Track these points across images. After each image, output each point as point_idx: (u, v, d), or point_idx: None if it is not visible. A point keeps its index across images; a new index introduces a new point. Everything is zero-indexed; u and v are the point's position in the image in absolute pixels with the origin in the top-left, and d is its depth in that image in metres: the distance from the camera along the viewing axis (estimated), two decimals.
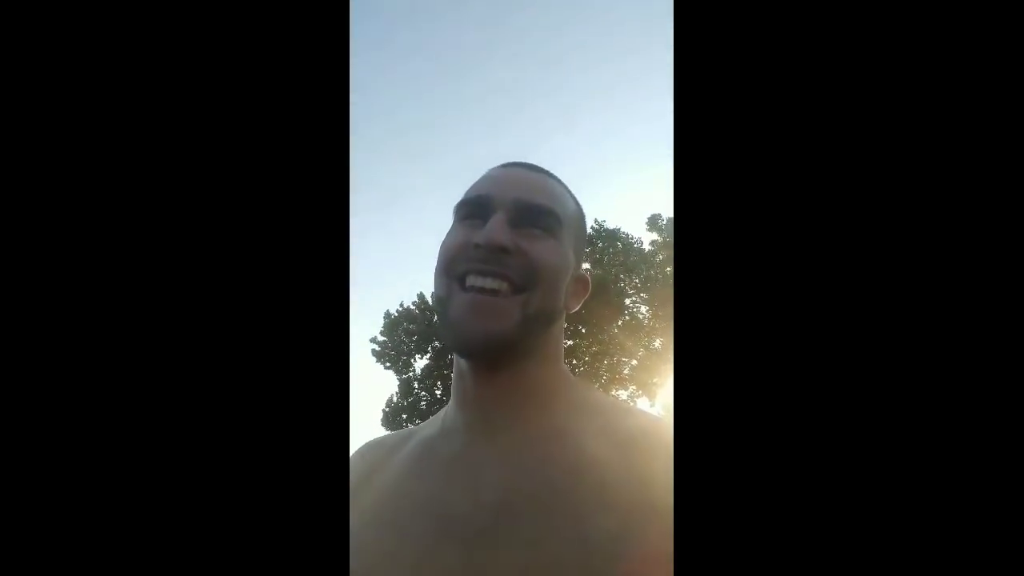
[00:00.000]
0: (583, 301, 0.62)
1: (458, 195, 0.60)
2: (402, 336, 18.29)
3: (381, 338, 18.37)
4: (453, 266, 0.54)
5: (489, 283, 0.52)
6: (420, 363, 18.40)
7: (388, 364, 18.27)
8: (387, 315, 18.53)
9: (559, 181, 0.62)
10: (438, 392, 17.47)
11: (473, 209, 0.57)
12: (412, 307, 19.19)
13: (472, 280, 0.53)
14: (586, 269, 0.65)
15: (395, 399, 17.87)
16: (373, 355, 18.20)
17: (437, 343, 17.76)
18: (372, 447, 0.65)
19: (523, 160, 0.62)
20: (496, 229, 0.52)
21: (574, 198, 0.63)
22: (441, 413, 0.62)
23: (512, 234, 0.53)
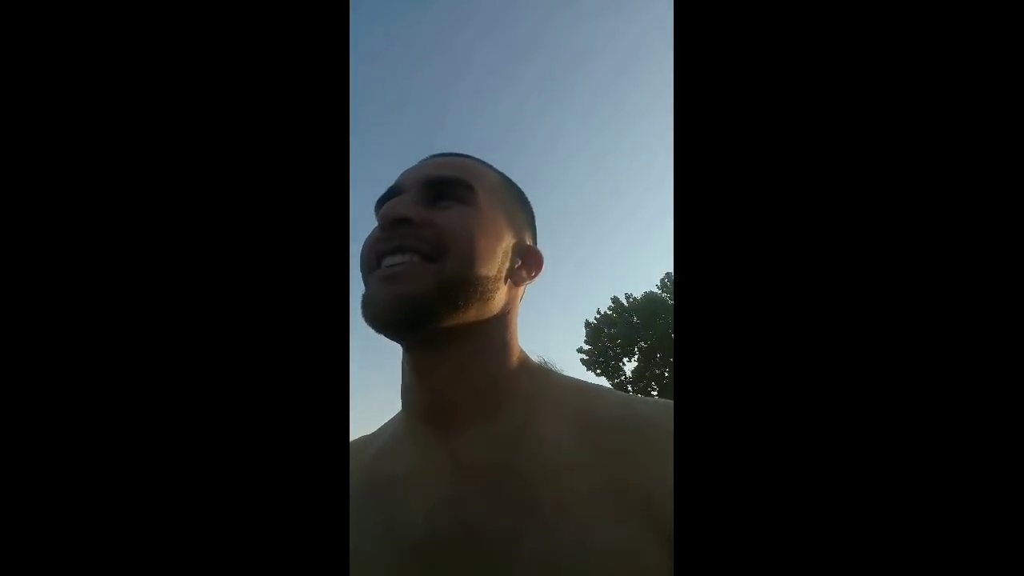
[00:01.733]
0: (535, 276, 0.57)
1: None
2: (606, 342, 18.34)
3: (586, 347, 18.64)
4: (368, 258, 0.51)
5: (398, 259, 0.48)
6: (629, 366, 18.26)
7: (599, 371, 18.46)
8: (587, 324, 18.76)
9: (482, 161, 0.58)
10: (654, 392, 17.12)
11: (384, 202, 0.54)
12: (609, 312, 19.11)
13: (384, 261, 0.49)
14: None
15: None
16: (583, 364, 18.55)
17: (642, 343, 17.42)
18: None
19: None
20: (391, 204, 0.49)
21: (503, 175, 0.59)
22: (389, 424, 0.58)
23: (419, 209, 0.50)
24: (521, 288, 0.56)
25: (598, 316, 18.90)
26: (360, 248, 0.53)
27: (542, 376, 0.55)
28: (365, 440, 0.58)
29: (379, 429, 0.59)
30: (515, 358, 0.54)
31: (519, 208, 0.58)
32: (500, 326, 0.53)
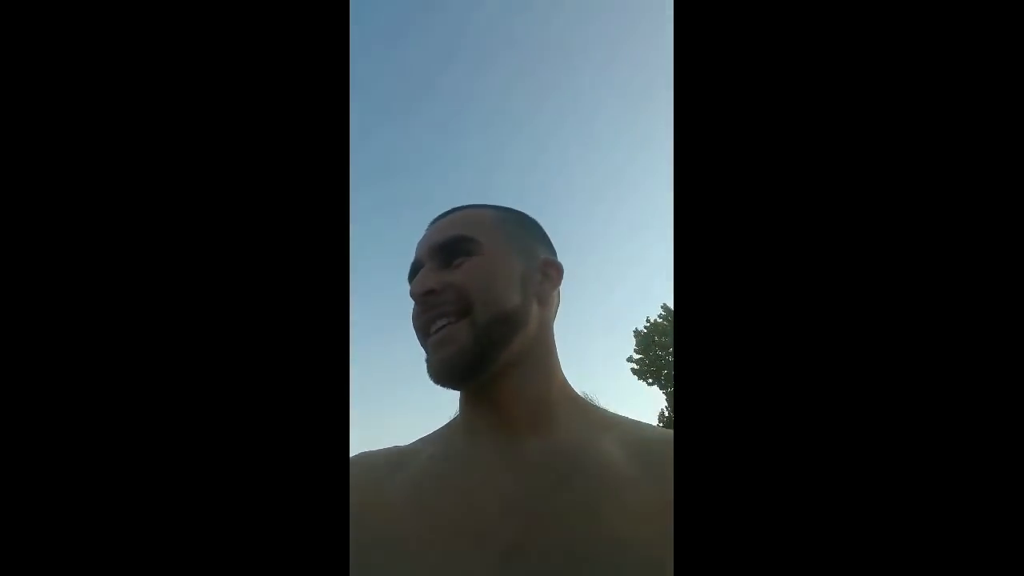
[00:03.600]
0: (558, 283, 0.63)
1: None
2: (657, 351, 17.93)
3: (637, 355, 18.28)
4: (419, 332, 0.59)
5: (439, 323, 0.56)
6: None
7: (651, 380, 18.05)
8: (637, 332, 18.40)
9: (480, 206, 0.64)
10: None
11: (413, 277, 0.61)
12: (660, 319, 18.70)
13: (431, 329, 0.57)
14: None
15: (667, 413, 17.52)
16: (633, 374, 18.18)
17: None
18: (363, 467, 0.62)
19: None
20: (416, 281, 0.57)
21: (500, 209, 0.65)
22: (439, 437, 0.62)
23: (437, 275, 0.57)
24: (551, 303, 0.62)
25: (648, 324, 18.52)
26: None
27: (585, 403, 0.61)
28: (402, 449, 0.62)
29: (419, 440, 0.63)
30: (560, 375, 0.60)
31: (523, 232, 0.64)
32: (541, 342, 0.60)
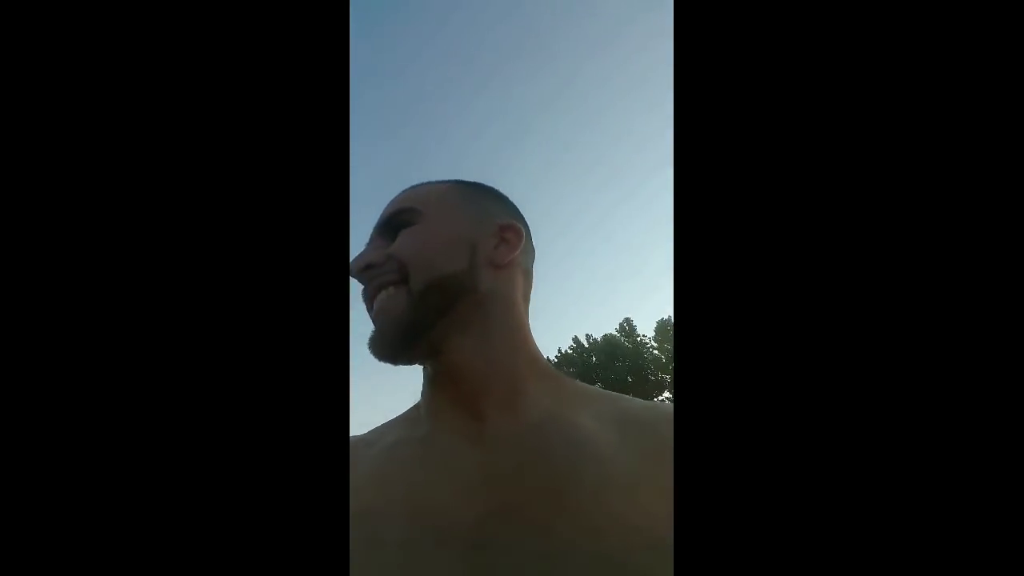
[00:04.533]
0: (517, 248, 0.57)
1: None
2: None
3: None
4: (368, 310, 0.56)
5: (380, 296, 0.53)
6: None
7: None
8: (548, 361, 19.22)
9: (432, 182, 0.60)
10: None
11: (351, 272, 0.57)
12: (570, 351, 19.81)
13: (374, 303, 0.54)
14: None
15: None
16: None
17: (599, 385, 18.12)
18: None
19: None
20: (355, 259, 0.55)
21: (453, 182, 0.61)
22: (403, 421, 0.57)
23: (378, 250, 0.55)
24: (512, 269, 0.57)
25: (559, 355, 19.57)
26: (354, 250, 0.56)
27: (559, 377, 0.56)
28: (367, 436, 0.58)
29: (382, 426, 0.59)
30: (530, 343, 0.56)
31: (475, 198, 0.59)
32: (499, 313, 0.54)
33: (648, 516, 0.42)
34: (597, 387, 0.59)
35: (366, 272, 0.54)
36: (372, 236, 0.58)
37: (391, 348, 0.52)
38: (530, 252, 0.60)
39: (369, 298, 0.54)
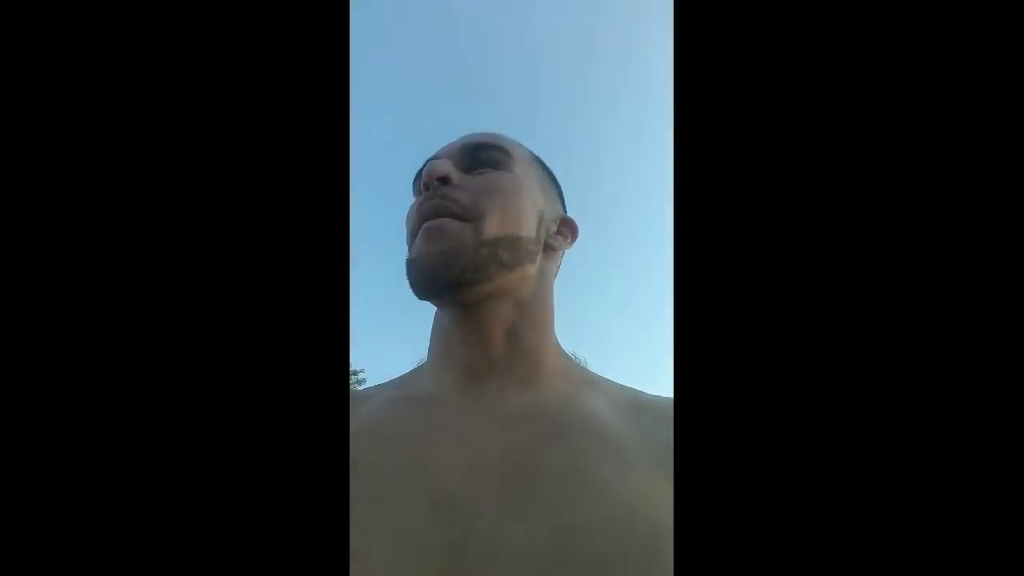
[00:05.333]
0: (571, 242, 0.58)
1: None
2: None
3: None
4: (412, 223, 0.51)
5: (446, 222, 0.48)
6: None
7: None
8: None
9: (518, 142, 0.58)
10: None
11: (422, 176, 0.52)
12: None
13: (424, 224, 0.49)
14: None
15: None
16: None
17: None
18: None
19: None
20: (435, 164, 0.50)
21: (534, 153, 0.60)
22: (401, 381, 0.54)
23: (458, 174, 0.51)
24: (557, 258, 0.57)
25: None
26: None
27: (578, 365, 0.56)
28: (365, 392, 0.54)
29: (375, 386, 0.56)
30: (553, 334, 0.54)
31: (550, 182, 0.59)
32: (542, 293, 0.54)
33: (656, 502, 0.41)
34: (609, 379, 0.57)
35: (439, 186, 0.50)
36: (449, 151, 0.55)
37: (451, 274, 0.47)
38: (563, 254, 0.59)
39: (427, 214, 0.49)
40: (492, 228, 0.49)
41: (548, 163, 0.61)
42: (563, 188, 0.61)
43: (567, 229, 0.58)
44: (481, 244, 0.48)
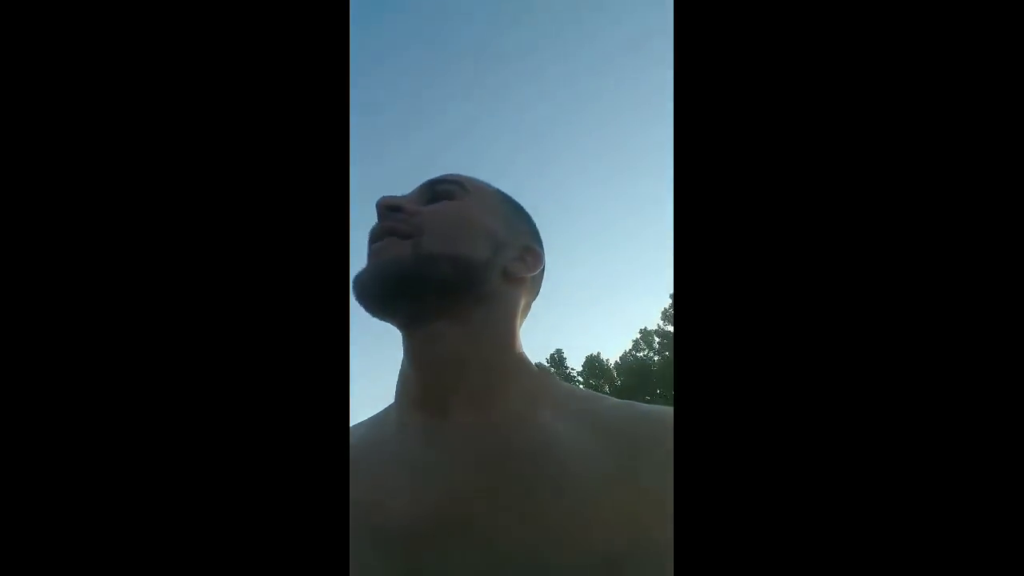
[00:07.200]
0: (533, 271, 0.58)
1: None
2: None
3: None
4: (368, 244, 0.54)
5: (386, 240, 0.52)
6: None
7: None
8: None
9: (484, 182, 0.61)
10: None
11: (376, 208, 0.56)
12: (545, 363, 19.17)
13: (371, 247, 0.53)
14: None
15: None
16: None
17: None
18: None
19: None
20: (388, 196, 0.54)
21: (502, 192, 0.62)
22: (372, 421, 0.57)
23: (413, 203, 0.55)
24: (521, 287, 0.57)
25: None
26: (359, 249, 0.54)
27: (543, 378, 0.55)
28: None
29: (359, 424, 0.58)
30: (515, 355, 0.54)
31: (516, 216, 0.60)
32: (497, 317, 0.54)
33: (611, 520, 0.42)
34: (584, 390, 0.58)
35: (390, 213, 0.53)
36: (413, 190, 0.58)
37: (377, 288, 0.50)
38: (538, 285, 0.61)
39: (375, 237, 0.53)
40: (434, 245, 0.51)
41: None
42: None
43: (529, 256, 0.59)
44: (420, 257, 0.50)
